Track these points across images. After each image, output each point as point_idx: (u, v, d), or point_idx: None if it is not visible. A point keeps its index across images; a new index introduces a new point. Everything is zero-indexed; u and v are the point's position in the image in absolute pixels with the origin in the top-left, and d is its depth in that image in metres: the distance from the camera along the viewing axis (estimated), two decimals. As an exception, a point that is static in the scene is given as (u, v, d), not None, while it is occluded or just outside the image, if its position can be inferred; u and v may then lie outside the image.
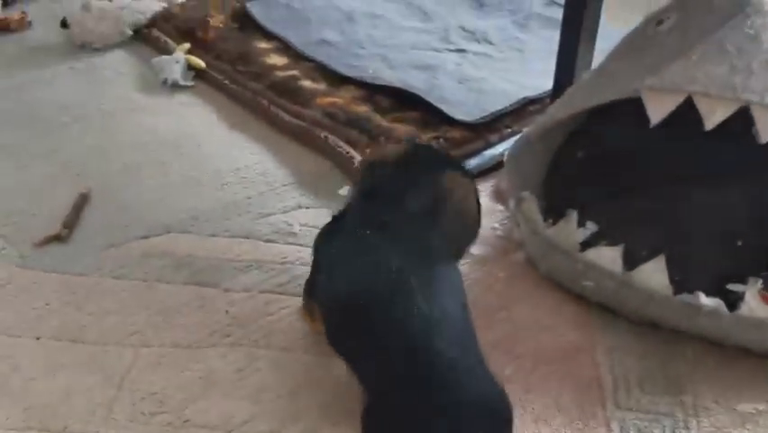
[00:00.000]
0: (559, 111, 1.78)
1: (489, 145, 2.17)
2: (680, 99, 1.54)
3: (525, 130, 1.95)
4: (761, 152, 1.56)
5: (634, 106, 1.61)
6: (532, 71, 2.46)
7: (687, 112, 1.54)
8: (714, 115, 1.51)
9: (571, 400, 1.49)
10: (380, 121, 2.22)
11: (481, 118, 2.22)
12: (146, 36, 2.78)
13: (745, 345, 1.56)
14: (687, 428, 1.44)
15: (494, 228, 1.93)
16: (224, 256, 1.82)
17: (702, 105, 1.52)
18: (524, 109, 2.30)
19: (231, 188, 2.05)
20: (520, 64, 2.56)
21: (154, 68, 2.56)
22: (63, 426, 1.42)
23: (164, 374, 1.52)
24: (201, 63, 2.56)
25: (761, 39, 1.53)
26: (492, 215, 1.96)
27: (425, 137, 2.15)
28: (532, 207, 1.77)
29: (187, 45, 2.63)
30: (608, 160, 1.88)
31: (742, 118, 1.51)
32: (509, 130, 2.22)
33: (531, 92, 2.33)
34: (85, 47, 2.73)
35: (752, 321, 1.54)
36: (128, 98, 2.46)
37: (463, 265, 1.77)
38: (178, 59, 2.54)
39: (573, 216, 1.72)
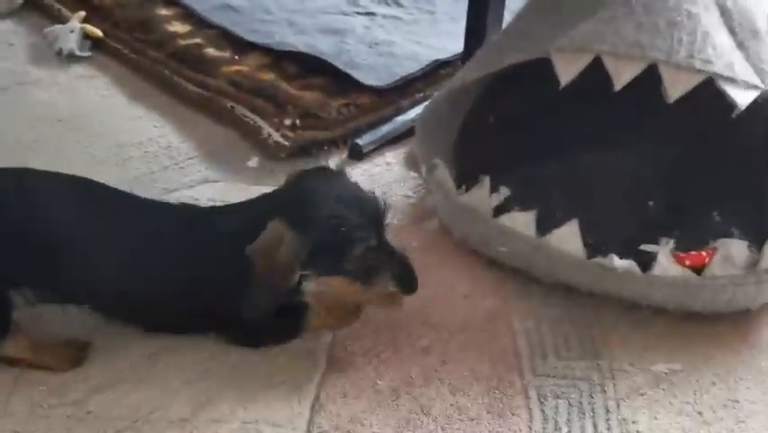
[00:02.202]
0: (468, 74, 1.75)
1: (401, 111, 2.14)
2: (588, 59, 1.52)
3: (434, 94, 1.91)
4: (669, 112, 1.56)
5: (544, 68, 1.59)
6: (443, 33, 2.42)
7: (596, 73, 1.52)
8: (622, 75, 1.49)
9: (489, 369, 1.47)
10: (287, 88, 2.15)
11: (392, 83, 2.17)
12: (38, 4, 2.63)
13: (659, 305, 1.57)
14: (604, 391, 1.44)
15: (407, 196, 1.89)
16: (127, 236, 1.73)
17: (611, 65, 1.50)
18: (435, 73, 2.27)
19: (132, 163, 1.96)
20: (431, 26, 2.51)
21: (47, 38, 2.43)
22: (-45, 423, 1.34)
23: (64, 365, 1.44)
24: (98, 32, 2.43)
25: (666, -4, 1.52)
26: (405, 182, 1.92)
27: (335, 104, 2.09)
28: (444, 173, 1.74)
29: (82, 13, 2.50)
30: (518, 124, 1.86)
31: (650, 77, 1.50)
32: (421, 95, 2.18)
33: (442, 55, 2.29)
34: (-30, 18, 2.58)
35: (665, 280, 1.54)
36: (20, 72, 2.33)
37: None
38: (73, 28, 2.41)
39: (486, 181, 1.69)
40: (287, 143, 1.98)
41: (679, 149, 1.86)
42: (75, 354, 1.44)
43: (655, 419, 1.40)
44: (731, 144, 1.78)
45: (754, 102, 1.48)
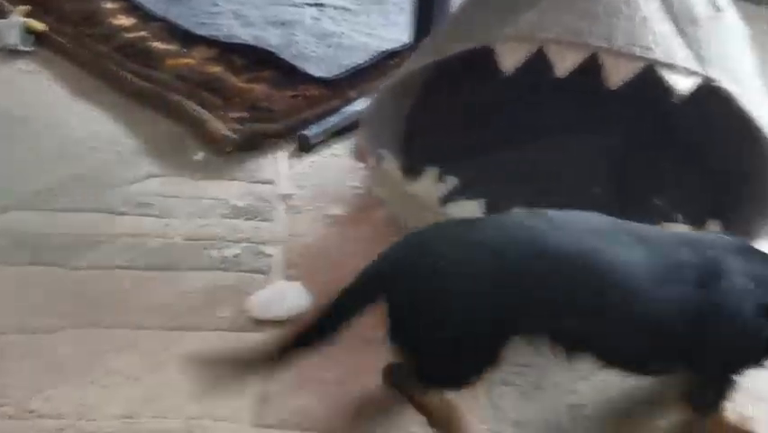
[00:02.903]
0: (413, 64, 1.74)
1: (350, 102, 2.13)
2: (532, 48, 1.51)
3: (381, 86, 1.90)
4: (612, 101, 1.57)
5: (488, 57, 1.59)
6: (391, 24, 2.42)
7: (539, 62, 1.53)
8: (564, 63, 1.49)
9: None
10: (235, 81, 2.13)
11: (340, 74, 2.16)
12: (-22, -2, 2.58)
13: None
14: (549, 376, 1.45)
15: (355, 187, 1.89)
16: (71, 232, 1.71)
17: (553, 53, 1.50)
18: (384, 63, 2.26)
19: (77, 159, 1.93)
20: (380, 17, 2.50)
21: (-12, 33, 2.38)
22: None
23: (6, 363, 1.42)
24: (41, 26, 2.39)
25: (606, -17, 1.52)
26: (353, 173, 1.91)
27: (283, 96, 2.08)
28: (391, 164, 1.73)
29: (25, 7, 2.45)
30: (465, 114, 1.87)
31: (592, 65, 1.51)
32: (370, 86, 2.17)
33: (391, 45, 2.29)
34: None
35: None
36: (-40, 68, 2.28)
37: (326, 225, 1.73)
38: (16, 22, 2.37)
39: (433, 171, 1.69)
40: (234, 136, 1.96)
41: (622, 137, 1.89)
42: None
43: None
44: (671, 131, 1.81)
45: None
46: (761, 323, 1.20)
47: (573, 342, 1.24)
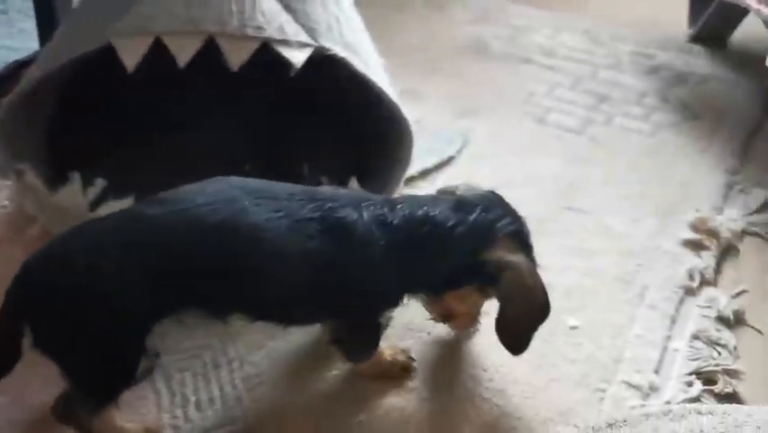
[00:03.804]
0: (36, 72, 1.69)
1: None
2: (148, 41, 1.53)
3: (6, 98, 1.83)
4: (252, 81, 1.63)
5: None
6: (17, 32, 2.32)
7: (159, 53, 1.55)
8: (184, 52, 1.52)
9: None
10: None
11: None
12: None
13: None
14: (225, 353, 1.50)
15: (3, 206, 1.81)
16: None
17: (171, 44, 1.53)
18: (18, 74, 2.15)
19: None
20: (5, 26, 2.39)
21: None
22: None
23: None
24: None
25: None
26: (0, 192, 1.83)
27: None
28: (32, 177, 1.68)
29: None
30: (108, 112, 1.86)
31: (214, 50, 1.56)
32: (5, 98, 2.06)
33: (20, 55, 2.19)
34: None
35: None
36: None
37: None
38: None
39: (76, 177, 1.67)
40: None
41: (266, 113, 1.98)
42: None
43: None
44: (309, 100, 1.92)
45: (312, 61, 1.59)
46: (387, 265, 1.32)
47: (222, 307, 1.31)
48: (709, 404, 1.44)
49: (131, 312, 1.22)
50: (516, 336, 1.36)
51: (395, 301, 1.39)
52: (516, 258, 1.33)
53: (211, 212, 1.25)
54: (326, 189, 1.41)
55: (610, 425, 1.36)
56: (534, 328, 1.36)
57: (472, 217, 1.35)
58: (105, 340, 1.22)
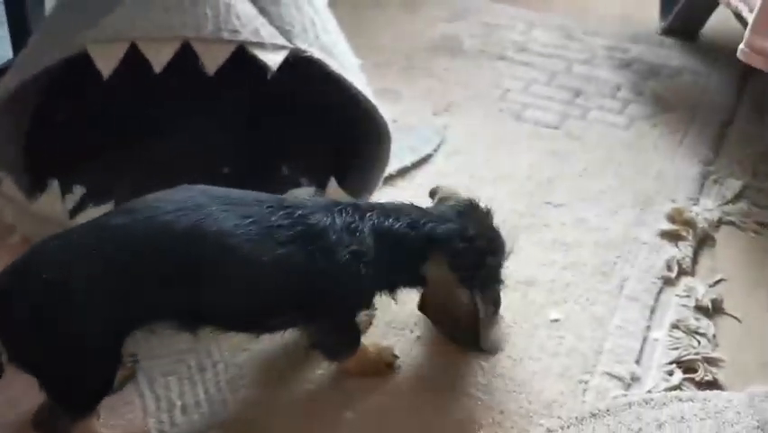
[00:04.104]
0: (12, 81, 1.68)
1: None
2: (124, 48, 1.53)
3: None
4: (217, 84, 1.63)
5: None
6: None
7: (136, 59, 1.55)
8: (160, 57, 1.52)
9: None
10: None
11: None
12: None
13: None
14: (210, 356, 1.51)
15: (-19, 217, 1.80)
16: None
17: (147, 50, 1.53)
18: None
19: None
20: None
21: None
22: None
23: None
24: None
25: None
26: (-22, 202, 1.82)
27: None
28: (10, 185, 1.67)
29: None
30: (86, 120, 1.86)
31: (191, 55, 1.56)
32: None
33: (-2, 62, 2.18)
34: None
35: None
36: None
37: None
38: None
39: (55, 184, 1.66)
40: None
41: (245, 115, 1.98)
42: None
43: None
44: (290, 103, 1.93)
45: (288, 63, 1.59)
46: (355, 268, 1.33)
47: (194, 319, 1.31)
48: (690, 391, 1.46)
49: (100, 324, 1.21)
50: (455, 340, 1.50)
51: (369, 301, 1.42)
52: (438, 272, 1.39)
53: (178, 219, 1.24)
54: (293, 197, 1.44)
55: (594, 415, 1.38)
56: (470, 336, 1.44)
57: (424, 231, 1.40)
58: (76, 353, 1.22)
